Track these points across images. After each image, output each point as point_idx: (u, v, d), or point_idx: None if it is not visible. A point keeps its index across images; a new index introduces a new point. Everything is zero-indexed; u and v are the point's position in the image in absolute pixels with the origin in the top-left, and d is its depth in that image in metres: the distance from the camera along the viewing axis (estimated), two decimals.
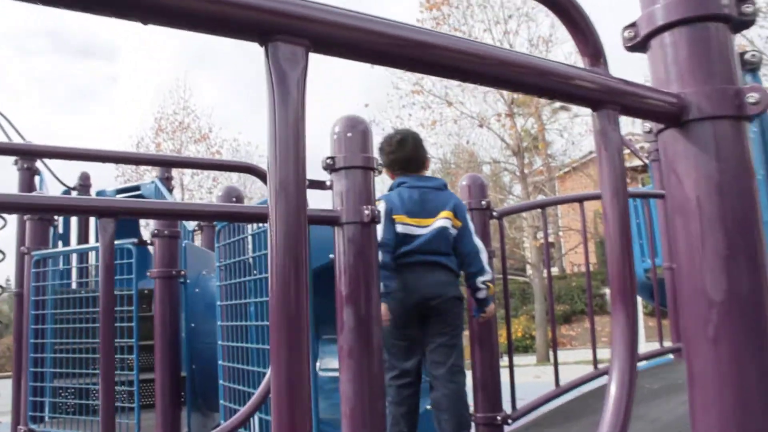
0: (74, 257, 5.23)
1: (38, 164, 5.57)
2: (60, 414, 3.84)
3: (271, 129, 0.63)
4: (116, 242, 5.24)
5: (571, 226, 20.83)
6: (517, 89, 0.81)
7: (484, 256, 2.89)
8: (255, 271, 2.65)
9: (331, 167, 2.00)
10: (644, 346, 4.72)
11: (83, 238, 6.40)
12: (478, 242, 2.91)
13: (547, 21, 20.42)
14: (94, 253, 4.96)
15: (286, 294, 0.59)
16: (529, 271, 21.62)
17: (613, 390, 0.86)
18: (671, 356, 4.13)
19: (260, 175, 1.83)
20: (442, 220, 2.87)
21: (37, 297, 3.92)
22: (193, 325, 3.57)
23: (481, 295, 2.88)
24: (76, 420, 3.73)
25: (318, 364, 3.19)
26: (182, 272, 3.46)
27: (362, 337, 1.90)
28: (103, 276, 1.63)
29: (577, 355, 15.74)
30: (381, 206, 2.75)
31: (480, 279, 2.87)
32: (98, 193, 6.30)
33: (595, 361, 3.40)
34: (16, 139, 5.78)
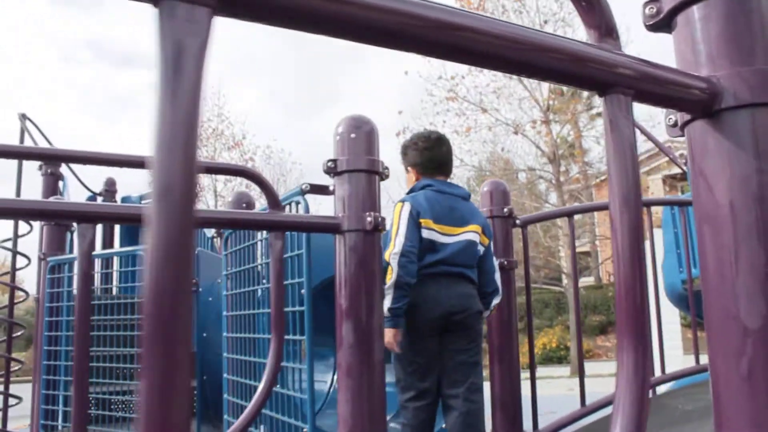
0: (97, 263, 5.19)
1: (64, 170, 5.57)
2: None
3: (157, 113, 0.48)
4: (131, 248, 5.19)
5: (607, 235, 20.36)
6: (497, 66, 0.65)
7: (498, 276, 2.79)
8: (264, 281, 2.52)
9: (332, 170, 1.86)
10: (681, 361, 4.48)
11: (108, 244, 6.38)
12: (495, 262, 2.82)
13: None
14: (118, 258, 4.92)
15: (161, 312, 0.45)
16: (565, 280, 21.20)
17: None
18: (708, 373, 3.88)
19: (254, 178, 1.69)
20: (472, 233, 2.73)
21: (52, 303, 3.86)
22: (205, 334, 3.46)
23: (487, 314, 2.80)
24: (90, 430, 3.65)
25: (335, 378, 3.04)
26: (194, 280, 3.35)
27: (363, 354, 1.75)
28: (80, 284, 1.51)
29: (612, 368, 15.30)
30: (404, 208, 2.59)
31: (495, 300, 2.77)
32: (123, 199, 6.27)
33: None
34: (43, 144, 5.79)
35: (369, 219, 1.78)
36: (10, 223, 5.40)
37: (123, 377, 3.46)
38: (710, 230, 0.82)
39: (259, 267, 2.56)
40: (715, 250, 0.81)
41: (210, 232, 4.68)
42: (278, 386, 2.12)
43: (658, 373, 3.09)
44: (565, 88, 21.79)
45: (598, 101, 18.71)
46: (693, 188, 0.86)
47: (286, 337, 2.06)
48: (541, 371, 19.20)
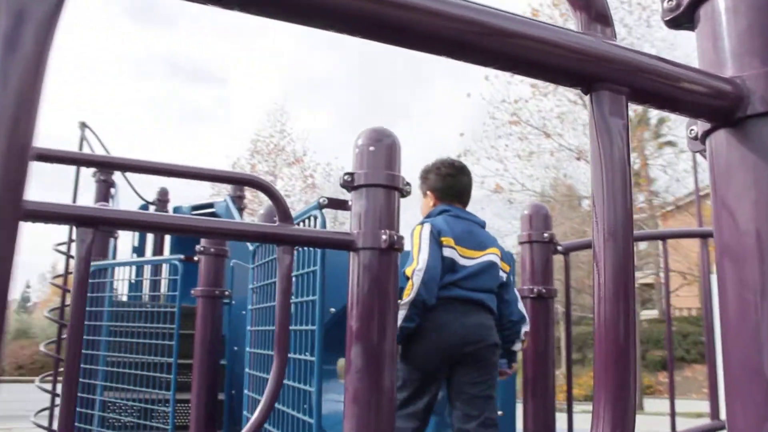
0: (148, 270, 5.25)
1: (119, 178, 5.68)
2: (104, 428, 3.75)
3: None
4: (162, 257, 5.20)
5: (672, 267, 19.63)
6: (450, 52, 0.54)
7: (521, 305, 2.68)
8: (291, 296, 2.43)
9: (349, 184, 1.76)
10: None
11: (158, 251, 6.46)
12: (516, 291, 2.71)
13: (651, 51, 19.53)
14: (166, 266, 4.96)
15: None
16: None
17: None
18: None
19: (264, 189, 1.61)
20: (492, 255, 2.66)
21: (92, 308, 3.89)
22: (236, 348, 3.40)
23: (518, 347, 2.68)
24: None
25: None
26: (227, 292, 3.30)
27: (372, 379, 1.63)
28: (76, 290, 1.45)
29: (677, 405, 14.64)
30: (425, 228, 2.52)
31: (524, 329, 2.64)
32: (175, 210, 6.35)
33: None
34: (100, 153, 5.92)
35: (384, 237, 1.67)
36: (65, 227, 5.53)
37: (151, 385, 3.43)
38: (731, 264, 0.69)
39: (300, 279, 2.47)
40: (737, 288, 0.68)
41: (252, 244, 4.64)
42: (290, 408, 2.03)
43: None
44: (632, 114, 21.25)
45: (665, 129, 18.04)
46: (713, 213, 0.72)
47: (300, 356, 1.96)
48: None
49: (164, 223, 1.57)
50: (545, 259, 2.67)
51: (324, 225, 1.91)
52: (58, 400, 5.03)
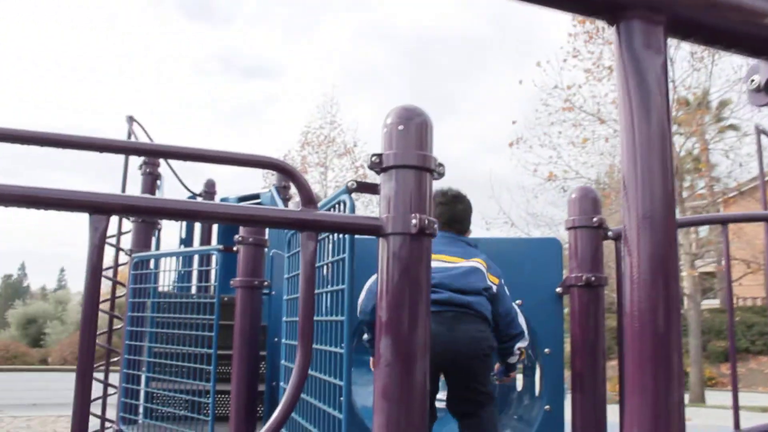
0: (196, 259, 5.27)
1: (166, 170, 5.71)
2: (151, 419, 3.76)
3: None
4: (201, 248, 5.19)
5: (735, 255, 18.90)
6: None
7: (522, 320, 2.62)
8: (328, 285, 2.34)
9: (377, 166, 1.65)
10: None
11: (206, 242, 6.49)
12: (514, 305, 2.66)
13: None
14: (211, 256, 4.96)
15: None
16: (685, 303, 19.84)
17: None
18: None
19: (285, 172, 1.53)
20: (476, 263, 2.63)
21: (135, 299, 3.90)
22: (276, 339, 3.35)
23: (513, 360, 2.66)
24: (165, 428, 3.62)
25: None
26: (266, 282, 3.25)
27: (403, 373, 1.53)
28: (89, 280, 1.39)
29: (741, 399, 14.13)
30: None
31: (519, 344, 2.60)
32: (222, 200, 6.37)
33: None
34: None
35: (414, 221, 1.56)
36: (115, 221, 5.61)
37: (192, 376, 3.41)
38: None
39: (324, 270, 2.39)
40: None
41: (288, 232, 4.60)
42: (322, 402, 1.94)
43: None
44: (691, 98, 20.48)
45: (727, 112, 17.42)
46: None
47: (331, 348, 1.88)
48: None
49: (178, 209, 1.50)
50: (594, 246, 2.51)
51: (353, 210, 1.81)
52: (110, 390, 5.10)
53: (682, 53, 19.48)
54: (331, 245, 2.22)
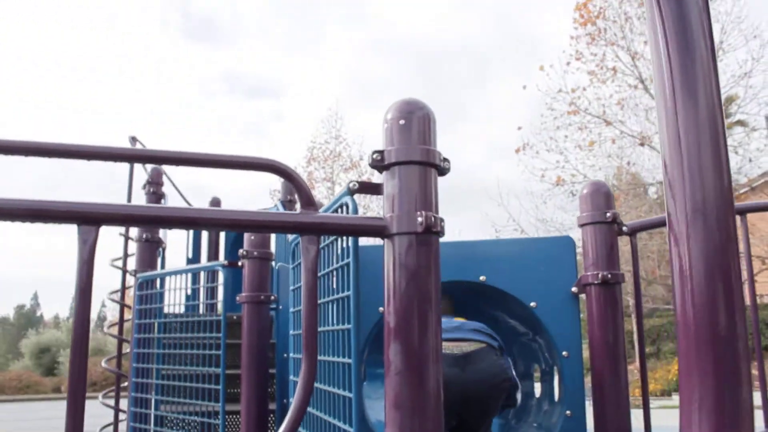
0: (203, 278, 5.18)
1: (169, 189, 5.65)
2: None
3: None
4: (203, 264, 5.11)
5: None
6: None
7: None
8: (335, 293, 2.25)
9: (379, 164, 1.57)
10: None
11: (213, 259, 6.42)
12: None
13: (716, 27, 18.62)
14: (217, 273, 4.88)
15: None
16: None
17: None
18: None
19: (283, 173, 1.45)
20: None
21: (142, 320, 3.82)
22: (286, 355, 3.25)
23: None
24: None
25: None
26: (273, 297, 3.16)
27: (414, 382, 1.44)
28: (79, 297, 1.31)
29: (759, 399, 13.88)
30: None
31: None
32: None
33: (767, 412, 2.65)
34: (150, 168, 5.92)
35: (420, 219, 1.48)
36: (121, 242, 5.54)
37: (201, 397, 3.32)
38: None
39: (333, 283, 2.29)
40: None
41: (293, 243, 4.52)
42: (332, 417, 1.85)
43: None
44: None
45: (734, 107, 17.34)
46: None
47: (338, 359, 1.79)
48: (676, 399, 17.71)
49: (174, 216, 1.42)
50: (609, 242, 2.42)
51: (356, 212, 1.73)
52: (122, 416, 5.01)
53: None
54: (335, 256, 2.13)
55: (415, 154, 1.55)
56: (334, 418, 1.79)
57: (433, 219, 1.48)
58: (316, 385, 2.08)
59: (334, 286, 2.16)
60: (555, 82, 21.06)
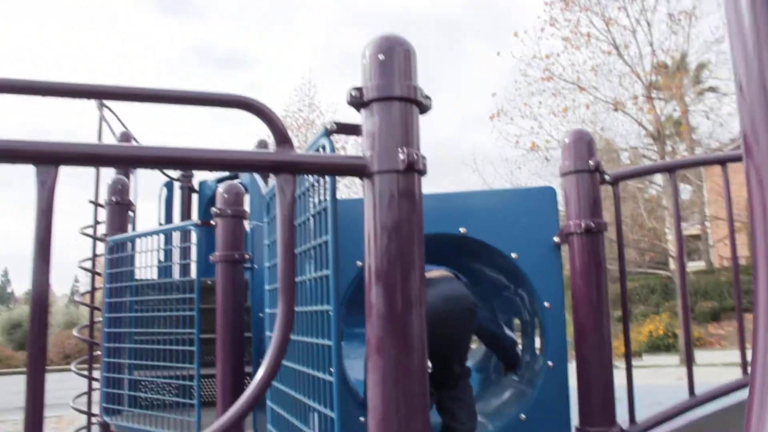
0: (177, 240, 5.06)
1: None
2: (135, 408, 3.59)
3: None
4: (176, 225, 4.99)
5: (718, 215, 18.93)
6: None
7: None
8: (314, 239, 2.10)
9: (358, 101, 1.49)
10: None
11: (186, 215, 6.27)
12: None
13: None
14: (190, 234, 4.76)
15: None
16: (672, 265, 19.89)
17: None
18: None
19: (255, 110, 1.36)
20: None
21: (113, 284, 3.71)
22: (262, 314, 3.18)
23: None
24: (151, 415, 3.45)
25: None
26: (247, 256, 3.08)
27: (397, 326, 1.38)
28: (37, 251, 1.22)
29: (727, 357, 14.20)
30: None
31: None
32: (201, 184, 6.16)
33: (745, 365, 2.65)
34: (119, 131, 5.75)
35: (402, 156, 1.40)
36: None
37: (175, 360, 3.24)
38: None
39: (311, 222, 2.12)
40: None
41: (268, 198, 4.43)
42: (310, 368, 1.79)
43: None
44: (668, 61, 20.39)
45: (706, 74, 17.43)
46: None
47: (317, 308, 1.72)
48: (647, 360, 18.09)
49: (137, 155, 1.33)
50: (592, 190, 2.37)
51: (332, 152, 1.65)
52: (95, 384, 4.92)
53: (659, 15, 19.40)
54: (311, 206, 2.03)
55: (395, 89, 1.47)
56: (312, 369, 1.73)
57: (415, 156, 1.41)
58: (294, 337, 2.01)
59: (311, 237, 2.07)
60: (529, 49, 21.01)
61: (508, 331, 2.73)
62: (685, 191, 21.75)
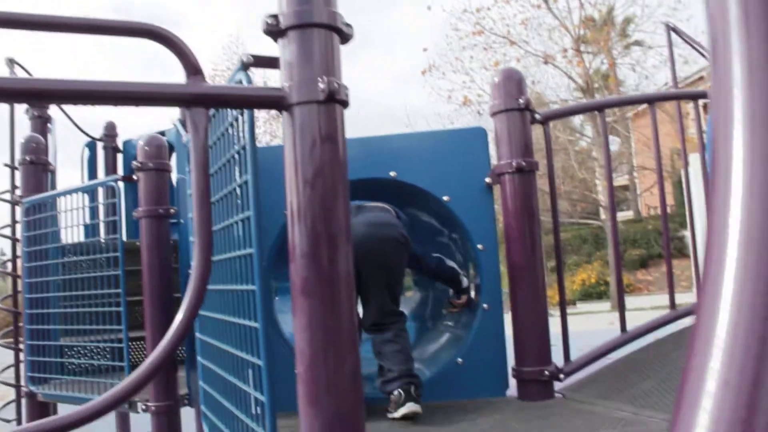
0: (101, 198, 4.84)
1: (57, 113, 5.20)
2: (63, 375, 3.44)
3: None
4: (97, 180, 4.79)
5: (645, 165, 19.53)
6: None
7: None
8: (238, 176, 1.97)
9: (274, 29, 1.39)
10: None
11: (111, 169, 6.00)
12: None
13: None
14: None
15: None
16: (603, 215, 20.50)
17: None
18: None
19: (164, 39, 1.25)
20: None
21: (31, 247, 3.52)
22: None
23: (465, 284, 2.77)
24: (80, 381, 3.31)
25: None
26: (172, 210, 2.95)
27: (322, 265, 1.31)
28: None
29: (655, 301, 14.80)
30: None
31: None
32: (125, 143, 5.90)
33: (673, 303, 2.72)
34: None
35: (322, 86, 1.32)
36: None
37: (101, 322, 3.10)
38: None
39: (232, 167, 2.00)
40: None
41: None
42: (235, 315, 1.72)
43: None
44: (596, 15, 20.69)
45: (632, 27, 17.72)
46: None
47: (237, 253, 1.64)
48: (581, 307, 18.71)
49: (40, 88, 1.20)
50: (523, 129, 2.34)
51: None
52: (22, 356, 4.72)
53: None
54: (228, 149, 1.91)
55: (314, 15, 1.37)
56: (241, 318, 1.66)
57: (336, 85, 1.32)
58: (219, 287, 1.93)
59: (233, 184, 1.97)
60: (460, 3, 20.90)
61: (450, 262, 2.66)
62: (614, 143, 22.32)
